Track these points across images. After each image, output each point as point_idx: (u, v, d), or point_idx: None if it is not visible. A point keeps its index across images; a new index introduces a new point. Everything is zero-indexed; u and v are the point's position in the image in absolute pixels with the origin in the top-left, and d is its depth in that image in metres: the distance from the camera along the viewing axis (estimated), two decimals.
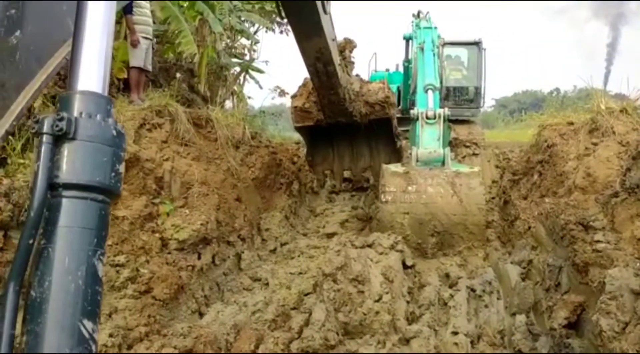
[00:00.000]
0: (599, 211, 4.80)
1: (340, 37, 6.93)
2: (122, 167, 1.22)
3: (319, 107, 7.26)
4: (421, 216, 6.07)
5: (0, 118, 1.28)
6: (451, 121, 10.02)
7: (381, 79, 8.63)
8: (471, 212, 6.10)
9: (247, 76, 15.79)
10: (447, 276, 5.62)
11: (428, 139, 6.64)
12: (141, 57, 7.09)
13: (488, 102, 40.73)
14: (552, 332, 4.34)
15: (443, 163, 6.47)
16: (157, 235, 5.11)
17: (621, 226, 4.41)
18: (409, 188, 6.16)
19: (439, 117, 6.69)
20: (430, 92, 7.16)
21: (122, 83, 7.58)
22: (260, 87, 16.69)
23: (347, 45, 7.30)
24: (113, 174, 1.19)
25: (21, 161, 4.53)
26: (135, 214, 5.02)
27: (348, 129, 8.02)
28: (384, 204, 6.28)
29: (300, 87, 7.80)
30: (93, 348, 1.10)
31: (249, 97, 15.05)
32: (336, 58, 6.38)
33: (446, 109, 6.88)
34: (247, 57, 15.95)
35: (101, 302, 1.15)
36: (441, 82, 8.81)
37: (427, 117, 6.71)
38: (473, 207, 6.11)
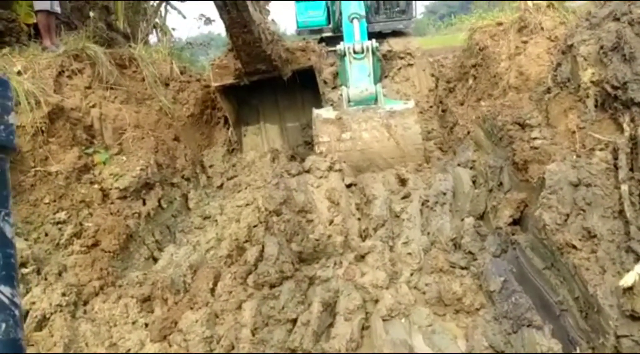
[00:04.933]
0: (534, 108, 4.89)
1: None
2: (12, 118, 1.08)
3: (237, 56, 6.62)
4: (359, 163, 5.89)
5: None
6: (384, 35, 9.90)
7: None
8: (409, 153, 5.96)
9: (168, 6, 14.93)
10: (403, 181, 5.56)
11: (358, 77, 6.29)
12: None
13: (418, 10, 40.38)
14: (498, 231, 4.52)
15: (376, 101, 6.22)
16: (96, 186, 4.94)
17: (555, 120, 4.53)
18: (343, 136, 5.92)
19: (367, 50, 6.33)
20: (355, 21, 6.67)
21: (32, 29, 7.03)
22: (184, 17, 15.84)
23: None
24: (2, 127, 1.06)
25: None
26: (69, 167, 4.82)
27: (273, 89, 7.54)
28: (320, 155, 5.90)
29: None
30: (16, 312, 1.04)
31: (173, 29, 14.24)
32: None
33: (374, 41, 6.48)
34: None
35: (16, 265, 1.07)
36: None
37: (355, 52, 6.35)
38: (410, 148, 5.96)
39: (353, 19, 6.66)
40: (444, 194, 5.18)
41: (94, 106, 5.53)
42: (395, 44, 9.25)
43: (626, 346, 2.68)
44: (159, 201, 5.44)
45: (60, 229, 4.46)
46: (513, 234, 4.29)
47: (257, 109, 7.96)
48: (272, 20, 7.39)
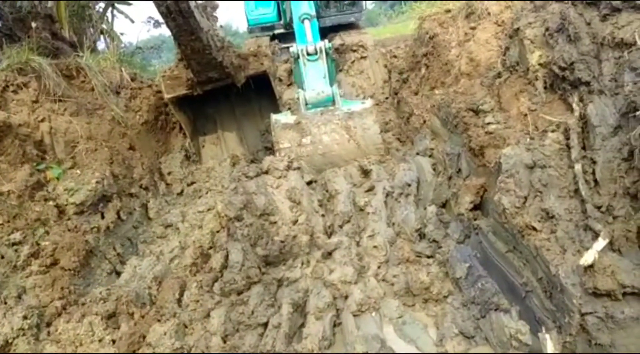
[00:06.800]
0: (486, 93, 4.94)
1: None
2: None
3: (187, 66, 6.41)
4: (320, 167, 5.88)
5: None
6: (336, 28, 9.85)
7: None
8: (370, 153, 5.99)
9: (115, 11, 14.57)
10: (365, 172, 5.56)
11: (313, 79, 6.26)
12: None
13: (368, 1, 40.29)
14: (460, 217, 4.57)
15: (333, 102, 6.19)
16: (51, 203, 4.78)
17: (507, 104, 4.59)
18: (304, 140, 5.90)
19: (321, 51, 6.29)
20: (306, 22, 6.56)
21: None
22: (132, 21, 15.52)
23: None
24: None
25: None
26: (21, 185, 4.64)
27: (228, 96, 7.41)
28: None
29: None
30: None
31: (122, 34, 13.93)
32: None
33: (326, 41, 6.45)
34: None
35: None
36: None
37: (309, 54, 6.30)
38: (371, 148, 5.99)
39: (304, 19, 6.56)
40: (409, 185, 5.20)
41: (42, 120, 5.35)
42: (347, 38, 9.22)
43: (591, 323, 2.74)
44: (117, 213, 5.30)
45: (16, 250, 4.29)
46: (475, 220, 4.34)
47: (213, 118, 7.83)
48: (221, 26, 7.19)
